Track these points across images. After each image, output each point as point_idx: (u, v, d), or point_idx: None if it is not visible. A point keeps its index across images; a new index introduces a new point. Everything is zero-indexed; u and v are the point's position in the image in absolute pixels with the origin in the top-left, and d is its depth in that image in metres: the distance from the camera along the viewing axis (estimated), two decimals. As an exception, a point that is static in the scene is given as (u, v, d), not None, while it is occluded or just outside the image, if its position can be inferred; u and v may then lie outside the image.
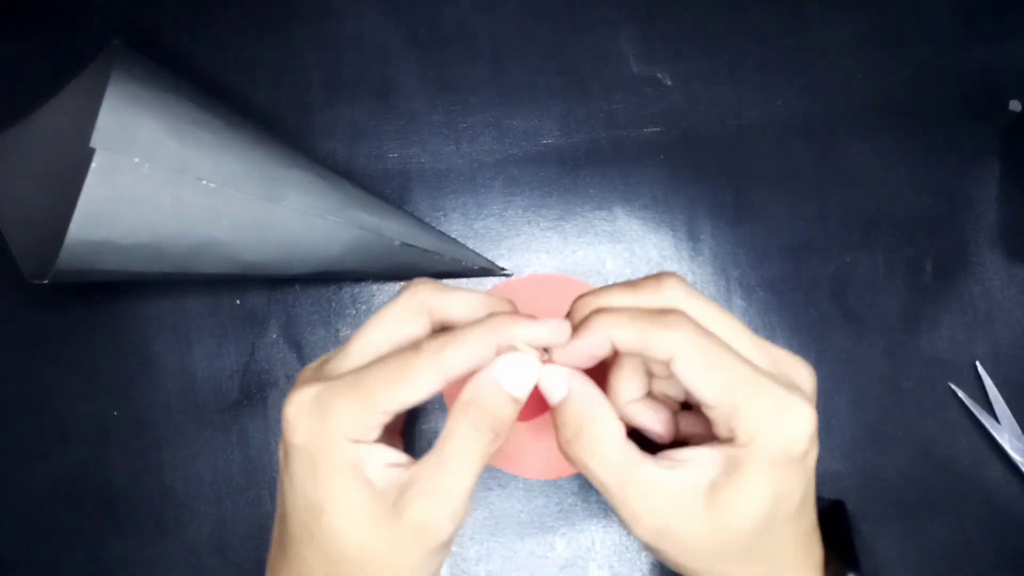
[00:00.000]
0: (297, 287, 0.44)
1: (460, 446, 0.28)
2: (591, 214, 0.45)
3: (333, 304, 0.44)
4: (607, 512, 0.42)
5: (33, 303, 0.43)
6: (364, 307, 0.44)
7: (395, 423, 0.32)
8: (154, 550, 0.42)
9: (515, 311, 0.30)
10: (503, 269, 0.44)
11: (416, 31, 0.46)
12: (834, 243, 0.45)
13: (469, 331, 0.27)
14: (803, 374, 0.28)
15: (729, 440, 0.27)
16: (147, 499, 0.42)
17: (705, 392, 0.26)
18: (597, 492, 0.42)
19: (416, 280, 0.30)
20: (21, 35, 0.45)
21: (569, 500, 0.42)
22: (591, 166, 0.45)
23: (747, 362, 0.27)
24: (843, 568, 0.30)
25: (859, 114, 0.46)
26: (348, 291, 0.44)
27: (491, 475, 0.42)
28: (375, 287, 0.44)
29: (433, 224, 0.44)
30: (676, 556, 0.28)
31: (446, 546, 0.28)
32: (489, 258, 0.44)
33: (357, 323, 0.44)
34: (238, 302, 0.43)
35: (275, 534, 0.30)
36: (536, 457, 0.42)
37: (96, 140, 0.33)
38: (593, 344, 0.27)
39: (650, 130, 0.45)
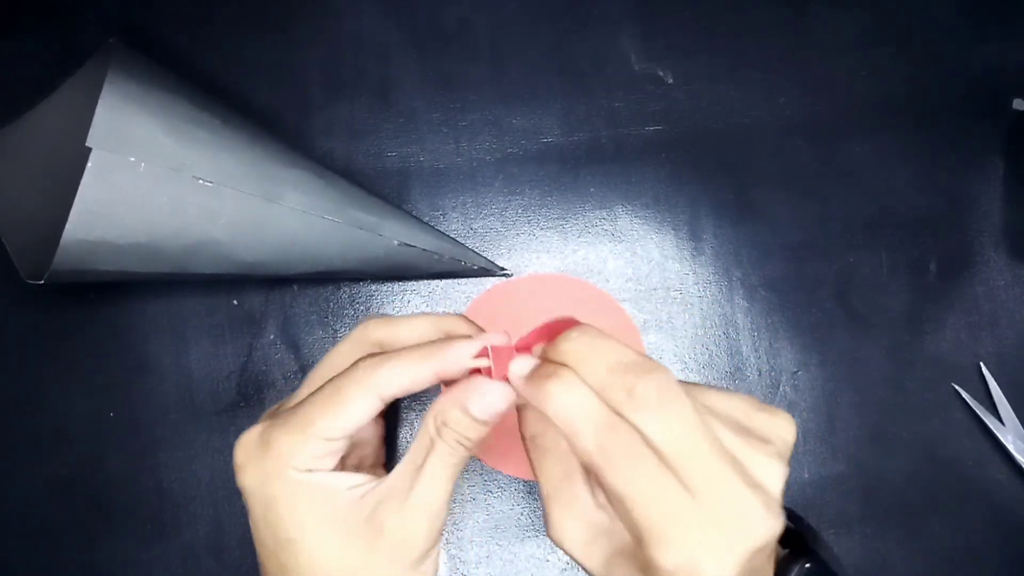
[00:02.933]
0: (295, 287, 0.43)
1: (433, 460, 0.27)
2: (592, 213, 0.44)
3: (331, 304, 0.43)
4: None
5: (29, 303, 0.43)
6: (362, 307, 0.44)
7: (365, 446, 0.33)
8: (151, 551, 0.41)
9: (468, 328, 0.30)
10: (503, 269, 0.44)
11: (415, 29, 0.46)
12: (837, 243, 0.44)
13: (405, 352, 0.28)
14: (754, 520, 0.24)
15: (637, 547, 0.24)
16: (144, 500, 0.42)
17: (619, 515, 0.25)
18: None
19: (368, 317, 0.31)
20: (17, 33, 0.45)
21: (570, 502, 0.42)
22: (592, 165, 0.45)
23: (675, 504, 0.23)
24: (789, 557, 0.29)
25: (862, 113, 0.45)
26: (346, 291, 0.44)
27: (491, 477, 0.42)
28: (373, 287, 0.44)
29: (432, 223, 0.44)
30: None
31: (425, 559, 0.28)
32: (489, 258, 0.44)
33: (355, 323, 0.43)
34: (235, 302, 0.43)
35: (261, 568, 0.30)
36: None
37: (92, 139, 0.33)
38: (535, 401, 0.26)
39: (652, 128, 0.45)
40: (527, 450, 0.29)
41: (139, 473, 0.42)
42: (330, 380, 0.28)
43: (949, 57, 0.46)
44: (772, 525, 0.24)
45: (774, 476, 0.25)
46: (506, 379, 0.27)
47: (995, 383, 0.43)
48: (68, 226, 0.33)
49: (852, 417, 0.43)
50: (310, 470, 0.27)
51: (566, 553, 0.28)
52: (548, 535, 0.28)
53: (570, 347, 0.26)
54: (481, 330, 0.30)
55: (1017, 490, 0.42)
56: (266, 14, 0.46)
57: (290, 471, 0.27)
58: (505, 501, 0.42)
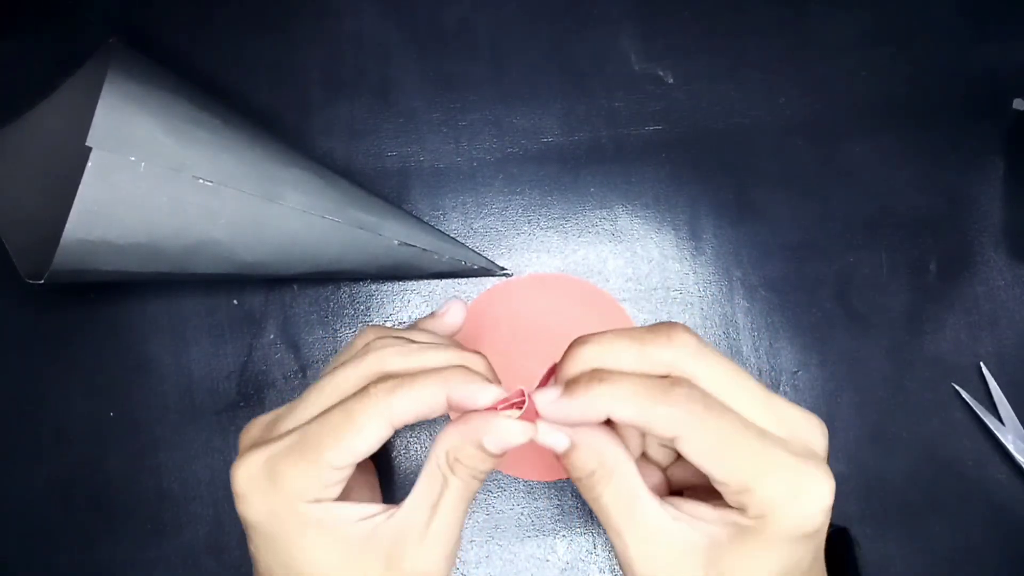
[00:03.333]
0: (295, 287, 0.43)
1: (448, 496, 0.27)
2: (592, 213, 0.44)
3: (331, 304, 0.43)
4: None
5: (29, 303, 0.43)
6: (362, 307, 0.44)
7: (365, 465, 0.32)
8: (151, 552, 0.41)
9: (486, 367, 0.29)
10: (503, 268, 0.44)
11: (415, 28, 0.46)
12: (837, 243, 0.44)
13: (420, 377, 0.26)
14: (816, 435, 0.27)
15: (740, 511, 0.25)
16: (144, 500, 0.42)
17: (714, 473, 0.25)
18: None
19: (378, 341, 0.29)
20: (17, 33, 0.45)
21: (570, 502, 0.42)
22: (592, 165, 0.44)
23: (759, 435, 0.25)
24: None
25: (862, 113, 0.45)
26: (346, 291, 0.44)
27: (491, 477, 0.42)
28: (373, 287, 0.44)
29: (432, 223, 0.44)
30: None
31: None
32: (489, 257, 0.44)
33: (355, 323, 0.43)
34: (235, 302, 0.43)
35: None
36: (536, 459, 0.42)
37: (92, 139, 0.33)
38: (589, 412, 0.26)
39: (652, 128, 0.45)
40: (585, 491, 0.27)
41: (139, 473, 0.42)
42: (339, 404, 0.27)
43: (949, 57, 0.46)
44: (825, 428, 0.27)
45: (823, 492, 0.26)
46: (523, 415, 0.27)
47: (995, 383, 0.43)
48: (68, 226, 0.33)
49: (852, 417, 0.43)
50: (318, 500, 0.26)
51: None
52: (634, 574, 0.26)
53: (588, 350, 0.26)
54: (497, 380, 0.29)
55: (1017, 490, 0.42)
56: (266, 14, 0.46)
57: (299, 503, 0.26)
58: (505, 501, 0.42)
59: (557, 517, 0.42)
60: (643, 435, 0.30)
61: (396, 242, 0.41)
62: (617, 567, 0.41)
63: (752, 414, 0.26)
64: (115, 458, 0.42)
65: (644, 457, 0.30)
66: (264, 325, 0.43)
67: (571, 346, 0.27)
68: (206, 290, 0.43)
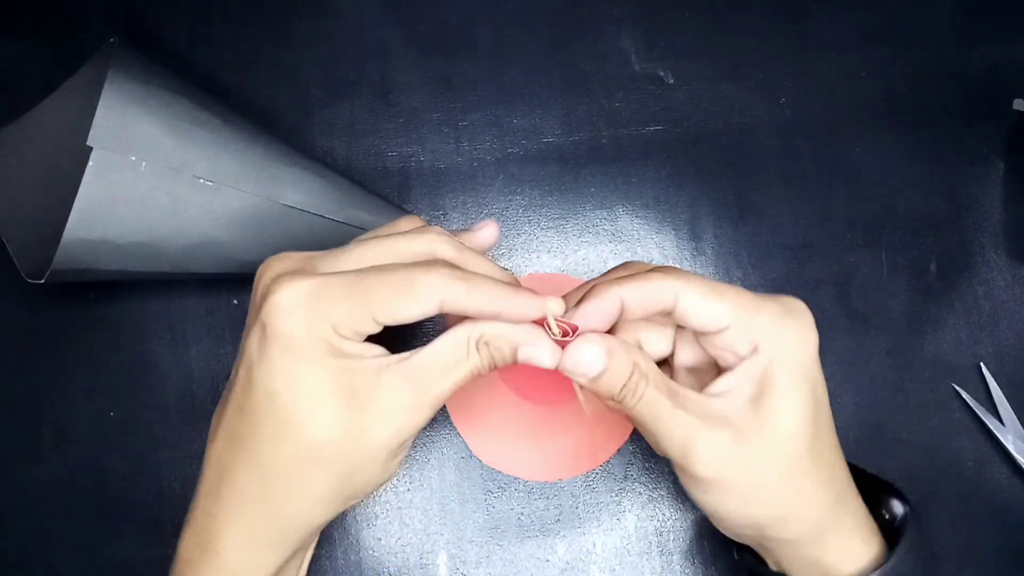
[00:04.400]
0: (296, 287, 0.43)
1: (462, 368, 0.28)
2: (592, 213, 0.44)
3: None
4: (608, 514, 0.42)
5: (30, 302, 0.43)
6: (363, 307, 0.44)
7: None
8: (151, 551, 0.41)
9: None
10: (504, 269, 0.44)
11: (416, 28, 0.46)
12: (837, 243, 0.44)
13: (482, 283, 0.28)
14: (795, 299, 0.30)
15: (752, 353, 0.28)
16: (144, 500, 0.42)
17: (717, 316, 0.28)
18: (598, 494, 0.42)
19: (430, 228, 0.30)
20: (18, 33, 0.45)
21: (569, 503, 0.42)
22: (592, 165, 0.45)
23: (742, 289, 0.29)
24: (883, 496, 0.32)
25: (862, 113, 0.46)
26: (347, 291, 0.44)
27: (491, 478, 0.42)
28: (374, 287, 0.44)
29: (433, 223, 0.44)
30: (747, 487, 0.29)
31: (405, 447, 0.29)
32: (489, 257, 0.44)
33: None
34: (236, 302, 0.43)
35: (222, 426, 0.29)
36: (536, 459, 0.42)
37: (93, 138, 0.33)
38: (603, 305, 0.29)
39: (652, 129, 0.45)
40: (626, 404, 0.29)
41: (140, 472, 0.42)
42: (403, 265, 0.28)
43: (949, 57, 0.46)
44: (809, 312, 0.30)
45: (806, 311, 0.30)
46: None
47: (995, 383, 0.43)
48: (69, 225, 0.33)
49: (852, 417, 0.43)
50: (347, 339, 0.27)
51: (724, 479, 0.29)
52: (701, 469, 0.28)
53: (605, 288, 0.30)
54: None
55: (1017, 490, 0.42)
56: (267, 14, 0.46)
57: (333, 333, 0.27)
58: (505, 501, 0.42)
59: (557, 517, 0.42)
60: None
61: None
62: (618, 567, 0.41)
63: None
64: (116, 457, 0.42)
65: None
66: (264, 325, 0.43)
67: (569, 295, 0.31)
68: (206, 289, 0.43)
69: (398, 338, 0.30)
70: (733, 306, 0.28)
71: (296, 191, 0.38)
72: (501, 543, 0.41)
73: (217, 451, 0.29)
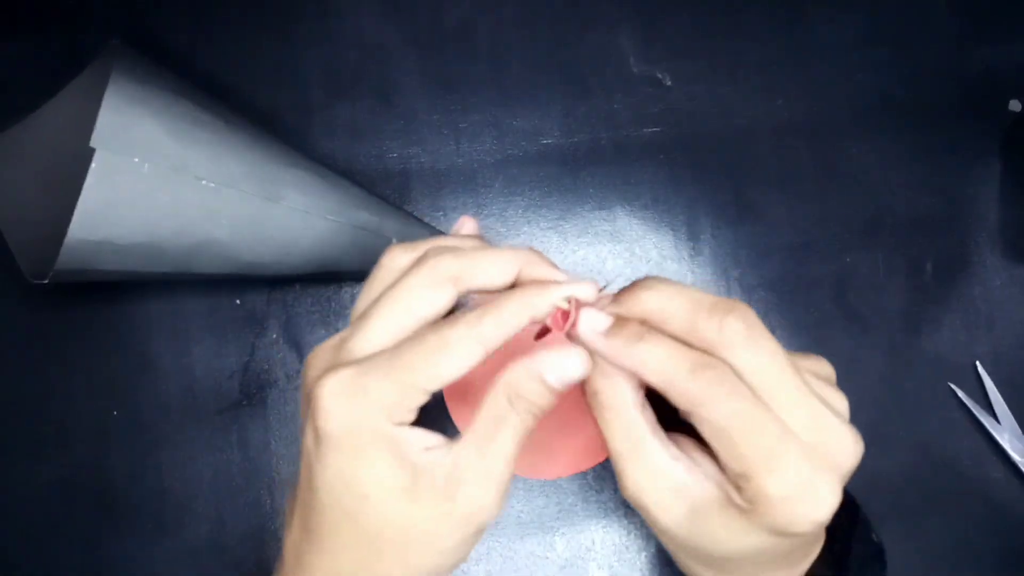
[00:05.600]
0: (297, 287, 0.44)
1: (506, 432, 0.27)
2: (591, 214, 0.45)
3: (333, 304, 0.44)
4: (607, 512, 0.42)
5: (33, 302, 0.43)
6: (364, 307, 0.44)
7: None
8: (153, 550, 0.41)
9: (543, 260, 0.30)
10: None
11: (416, 30, 0.46)
12: (834, 243, 0.44)
13: (506, 303, 0.27)
14: (847, 451, 0.26)
15: (736, 487, 0.25)
16: (146, 499, 0.42)
17: (719, 453, 0.25)
18: (597, 492, 0.42)
19: (433, 248, 0.29)
20: (21, 36, 0.45)
21: (569, 500, 0.42)
22: (591, 166, 0.45)
23: (779, 432, 0.25)
24: (826, 570, 0.29)
25: (859, 114, 0.46)
26: (348, 291, 0.44)
27: (491, 475, 0.42)
28: (375, 287, 0.44)
29: (433, 224, 0.44)
30: (649, 524, 0.28)
31: (485, 527, 0.28)
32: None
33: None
34: (238, 302, 0.43)
35: (295, 520, 0.29)
36: (536, 457, 0.42)
37: (96, 140, 0.33)
38: (618, 361, 0.27)
39: (650, 130, 0.45)
40: (591, 407, 0.28)
41: (142, 472, 0.42)
42: (431, 328, 0.27)
43: (946, 59, 0.46)
44: (860, 448, 0.26)
45: (845, 406, 0.27)
46: (569, 335, 0.28)
47: (991, 382, 0.43)
48: (72, 226, 0.34)
49: (850, 416, 0.43)
50: (400, 423, 0.27)
51: (643, 512, 0.27)
52: (624, 494, 0.27)
53: (650, 297, 0.27)
54: (553, 265, 0.30)
55: (1013, 488, 0.43)
56: (268, 16, 0.46)
57: (383, 421, 0.26)
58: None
59: (556, 515, 0.42)
60: None
61: (397, 242, 0.41)
62: (616, 564, 0.41)
63: (783, 408, 0.25)
64: (118, 457, 0.42)
65: None
66: (266, 325, 0.43)
67: (638, 283, 0.28)
68: (208, 290, 0.43)
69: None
70: (743, 456, 0.24)
71: (297, 192, 0.38)
72: (501, 540, 0.42)
73: (293, 539, 0.30)
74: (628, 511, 0.42)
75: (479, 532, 0.28)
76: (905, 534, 0.42)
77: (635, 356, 0.26)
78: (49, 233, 0.37)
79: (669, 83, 0.46)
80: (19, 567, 0.42)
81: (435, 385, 0.27)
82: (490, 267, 0.28)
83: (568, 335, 0.28)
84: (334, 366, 0.27)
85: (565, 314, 0.28)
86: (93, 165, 0.33)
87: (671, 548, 0.28)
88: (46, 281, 0.36)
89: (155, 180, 0.35)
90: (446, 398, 0.42)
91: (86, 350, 0.43)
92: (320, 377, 0.27)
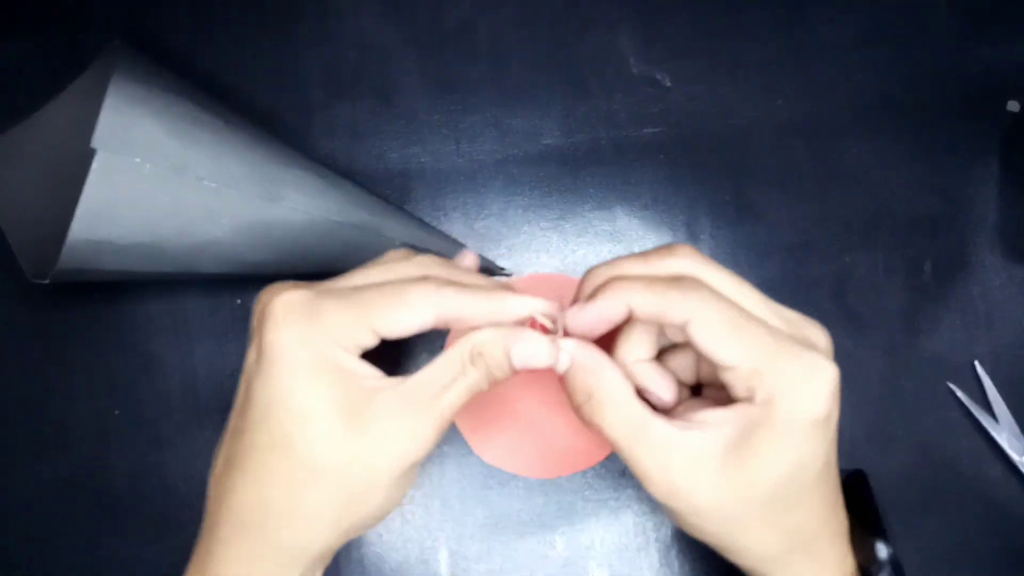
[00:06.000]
0: (297, 287, 0.44)
1: (460, 382, 0.28)
2: (591, 214, 0.45)
3: (333, 304, 0.44)
4: (607, 511, 0.42)
5: (34, 303, 0.43)
6: (364, 307, 0.44)
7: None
8: (155, 549, 0.42)
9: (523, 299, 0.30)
10: (503, 269, 0.44)
11: (416, 30, 0.46)
12: (834, 243, 0.45)
13: (478, 288, 0.28)
14: (818, 332, 0.28)
15: (747, 399, 0.26)
16: (148, 499, 0.42)
17: (723, 355, 0.26)
18: (597, 490, 0.42)
19: (424, 281, 0.28)
20: (21, 35, 0.45)
21: (569, 499, 0.42)
22: (591, 166, 0.45)
23: (764, 324, 0.27)
24: (870, 536, 0.30)
25: (859, 114, 0.46)
26: (348, 291, 0.44)
27: (490, 474, 0.42)
28: (375, 287, 0.44)
29: (433, 224, 0.44)
30: (689, 517, 0.28)
31: (415, 468, 0.28)
32: (489, 258, 0.44)
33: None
34: (239, 302, 0.43)
35: (221, 454, 0.29)
36: (536, 456, 0.42)
37: (97, 140, 0.33)
38: (610, 309, 0.27)
39: (650, 130, 0.45)
40: (585, 417, 0.28)
41: (143, 471, 0.42)
42: (399, 281, 0.28)
43: (945, 59, 0.46)
44: (827, 334, 0.29)
45: (827, 375, 0.27)
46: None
47: (990, 382, 0.43)
48: (73, 226, 0.34)
49: (848, 416, 0.43)
50: (347, 351, 0.27)
51: (676, 498, 0.27)
52: (652, 489, 0.27)
53: (599, 272, 0.29)
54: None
55: (1012, 488, 0.43)
56: (268, 16, 0.46)
57: (330, 344, 0.26)
58: (505, 497, 0.42)
59: (556, 513, 0.42)
60: (658, 337, 0.30)
61: (397, 242, 0.41)
62: (616, 562, 0.42)
63: (756, 310, 0.27)
64: (119, 456, 0.42)
65: (660, 361, 0.31)
66: (266, 324, 0.43)
67: (587, 272, 0.29)
68: (209, 290, 0.43)
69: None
70: (743, 348, 0.26)
71: (297, 192, 0.38)
72: (501, 539, 0.42)
73: (216, 478, 0.29)
74: (628, 510, 0.42)
75: (411, 471, 0.28)
76: (904, 534, 0.42)
77: (621, 294, 0.27)
78: (50, 233, 0.37)
79: (669, 83, 0.46)
80: (19, 567, 0.42)
81: (385, 331, 0.27)
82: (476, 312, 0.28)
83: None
84: (291, 287, 0.27)
85: (545, 328, 0.29)
86: (94, 165, 0.33)
87: (720, 532, 0.28)
88: (47, 281, 0.36)
89: (156, 180, 0.35)
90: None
91: (87, 350, 0.43)
92: (276, 294, 0.27)
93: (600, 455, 0.42)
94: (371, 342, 0.27)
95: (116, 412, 0.42)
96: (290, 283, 0.28)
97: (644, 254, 0.29)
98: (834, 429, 0.28)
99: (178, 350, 0.43)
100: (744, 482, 0.26)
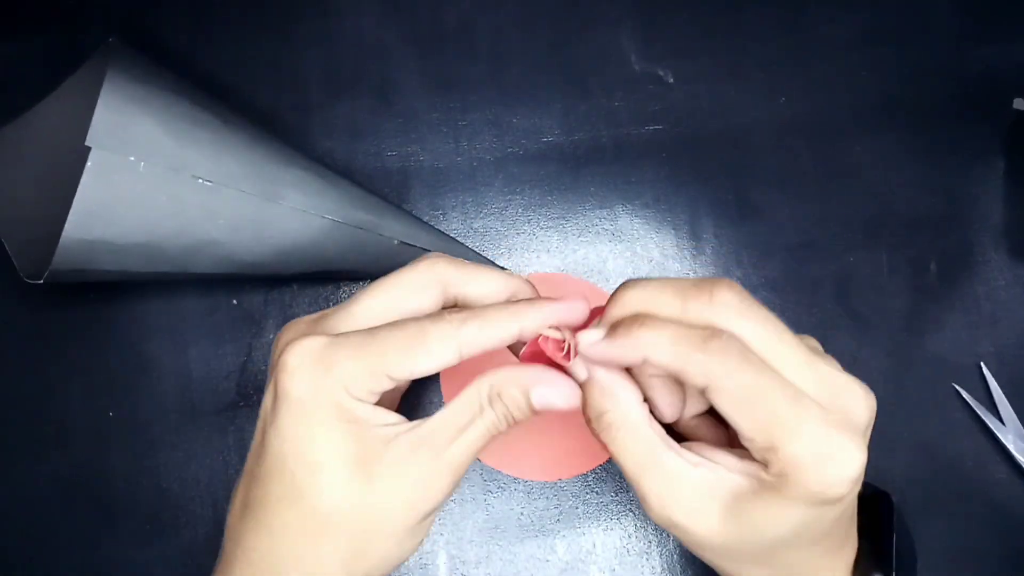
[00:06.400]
0: (295, 287, 0.43)
1: (477, 425, 0.27)
2: (592, 213, 0.44)
3: (331, 304, 0.43)
4: (608, 515, 0.42)
5: (29, 303, 0.43)
6: (363, 307, 0.44)
7: (392, 398, 0.32)
8: (150, 551, 0.41)
9: (536, 294, 0.30)
10: (503, 268, 0.44)
11: (416, 29, 0.46)
12: (837, 243, 0.44)
13: (493, 311, 0.27)
14: (860, 406, 0.26)
15: (763, 464, 0.25)
16: (144, 500, 0.42)
17: (741, 426, 0.25)
18: (598, 494, 0.42)
19: (433, 253, 0.29)
20: (18, 32, 0.45)
21: (570, 502, 0.42)
22: (592, 164, 0.44)
23: (794, 395, 0.25)
24: (872, 567, 0.29)
25: (862, 113, 0.45)
26: (346, 291, 0.44)
27: (491, 477, 0.42)
28: (374, 287, 0.44)
29: (432, 223, 0.44)
30: (686, 543, 0.27)
31: (432, 515, 0.28)
32: (489, 257, 0.44)
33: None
34: (235, 302, 0.43)
35: (238, 496, 0.29)
36: (536, 459, 0.42)
37: (92, 138, 0.33)
38: (627, 356, 0.26)
39: (652, 128, 0.45)
40: (595, 432, 0.28)
41: (139, 473, 0.42)
42: (413, 321, 0.27)
43: (948, 57, 0.46)
44: (872, 400, 0.26)
45: (851, 462, 0.25)
46: (559, 365, 0.27)
47: (995, 383, 0.43)
48: (67, 225, 0.33)
49: None
50: (360, 400, 0.26)
51: (675, 529, 0.26)
52: (652, 515, 0.27)
53: (633, 294, 0.27)
54: (548, 299, 0.29)
55: (1017, 490, 0.42)
56: (267, 14, 0.46)
57: (344, 395, 0.26)
58: (505, 501, 0.42)
59: (557, 517, 0.41)
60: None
61: (396, 242, 0.40)
62: (618, 567, 0.41)
63: (792, 373, 0.25)
64: (115, 458, 0.42)
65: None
66: (264, 325, 0.43)
67: (618, 289, 0.27)
68: (206, 290, 0.43)
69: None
70: (763, 424, 0.24)
71: (296, 191, 0.38)
72: (501, 543, 0.41)
73: (232, 522, 0.29)
74: (629, 514, 0.41)
75: (426, 521, 0.27)
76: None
77: (642, 343, 0.25)
78: (45, 232, 0.37)
79: (671, 81, 0.45)
80: (17, 567, 0.41)
81: (403, 376, 0.26)
82: (483, 281, 0.28)
83: (565, 359, 0.27)
84: (307, 334, 0.27)
85: (558, 343, 0.27)
86: (89, 164, 0.33)
87: (715, 561, 0.28)
88: (42, 281, 0.35)
89: (152, 179, 0.34)
90: (442, 377, 0.42)
91: (83, 350, 0.43)
92: (291, 343, 0.27)
93: (602, 457, 0.42)
94: (389, 386, 0.27)
95: (111, 413, 0.42)
96: (306, 322, 0.29)
97: (683, 289, 0.26)
98: (850, 501, 0.26)
99: (174, 351, 0.43)
100: (744, 530, 0.26)
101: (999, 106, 0.46)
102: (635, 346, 0.25)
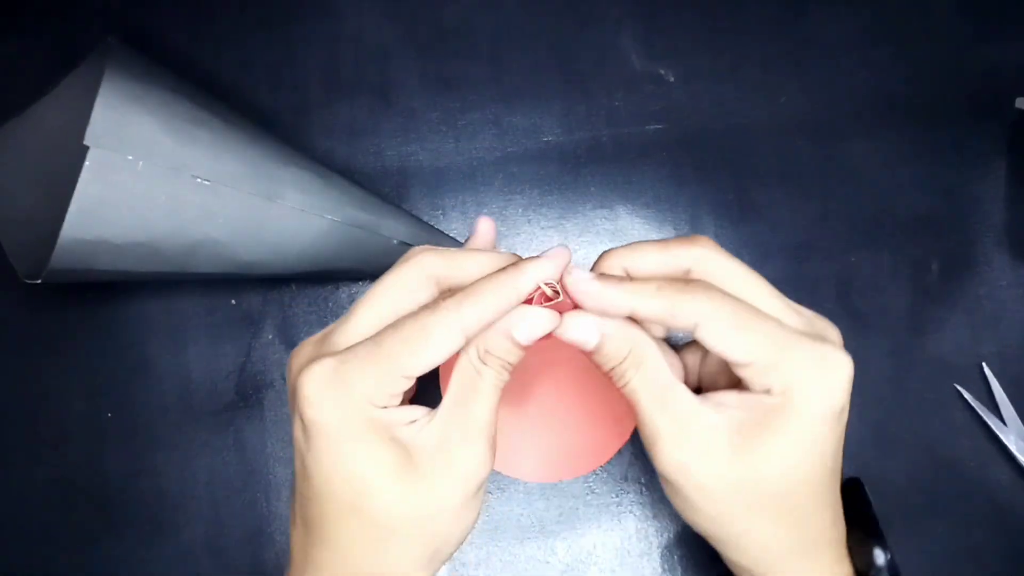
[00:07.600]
0: (293, 286, 0.43)
1: (484, 386, 0.28)
2: (592, 213, 0.44)
3: (330, 304, 0.43)
4: (608, 516, 0.41)
5: (27, 303, 0.43)
6: (362, 307, 0.43)
7: (409, 391, 0.32)
8: (149, 552, 0.41)
9: (524, 260, 0.30)
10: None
11: (415, 28, 0.46)
12: (838, 243, 0.44)
13: (484, 284, 0.28)
14: (829, 327, 0.29)
15: (765, 392, 0.27)
16: (142, 501, 0.42)
17: (737, 352, 0.26)
18: (599, 495, 0.41)
19: (416, 248, 0.29)
20: (16, 31, 0.45)
21: (570, 504, 0.41)
22: (592, 164, 0.44)
23: (777, 320, 0.27)
24: (868, 542, 0.30)
25: (863, 112, 0.45)
26: (345, 291, 0.43)
27: (491, 479, 0.41)
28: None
29: (432, 223, 0.44)
30: (692, 496, 0.28)
31: (484, 485, 0.29)
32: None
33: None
34: (234, 302, 0.43)
35: (296, 513, 0.30)
36: (536, 460, 0.41)
37: (90, 137, 0.33)
38: (617, 305, 0.27)
39: (652, 128, 0.45)
40: (615, 377, 0.29)
41: (138, 473, 0.42)
42: (411, 316, 0.27)
43: (950, 56, 0.46)
44: (837, 329, 0.30)
45: (844, 367, 0.28)
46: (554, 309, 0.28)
47: (997, 383, 0.43)
48: (65, 225, 0.33)
49: (854, 418, 0.42)
50: (385, 407, 0.27)
51: (683, 473, 0.27)
52: (662, 459, 0.27)
53: (616, 254, 0.29)
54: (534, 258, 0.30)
55: (1019, 490, 0.42)
56: (267, 14, 0.46)
57: (369, 408, 0.27)
58: (504, 502, 0.41)
59: (557, 518, 0.41)
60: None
61: (395, 241, 0.40)
62: (618, 568, 0.41)
63: (768, 307, 0.28)
64: (114, 458, 0.42)
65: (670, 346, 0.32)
66: (262, 325, 0.43)
67: (603, 254, 0.29)
68: (204, 290, 0.43)
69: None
70: (759, 345, 0.26)
71: (295, 191, 0.38)
72: (501, 544, 0.41)
73: (298, 536, 0.30)
74: (630, 515, 0.41)
75: (479, 491, 0.29)
76: (909, 536, 0.42)
77: (631, 295, 0.27)
78: (43, 232, 0.37)
79: (671, 80, 0.45)
80: (15, 568, 0.41)
81: (417, 371, 0.27)
82: (471, 264, 0.29)
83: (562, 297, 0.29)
84: (316, 357, 0.27)
85: (556, 293, 0.29)
86: (87, 163, 0.33)
87: (719, 519, 0.28)
88: (40, 281, 0.35)
89: (151, 178, 0.34)
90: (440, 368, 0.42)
91: (82, 351, 0.43)
92: (303, 370, 0.27)
93: (603, 459, 0.41)
94: (407, 386, 0.27)
95: (110, 414, 0.42)
96: (312, 344, 0.29)
97: (664, 242, 0.29)
98: (844, 426, 0.28)
99: (173, 351, 0.43)
100: (753, 465, 0.27)
101: (1001, 106, 0.46)
102: (626, 298, 0.27)
